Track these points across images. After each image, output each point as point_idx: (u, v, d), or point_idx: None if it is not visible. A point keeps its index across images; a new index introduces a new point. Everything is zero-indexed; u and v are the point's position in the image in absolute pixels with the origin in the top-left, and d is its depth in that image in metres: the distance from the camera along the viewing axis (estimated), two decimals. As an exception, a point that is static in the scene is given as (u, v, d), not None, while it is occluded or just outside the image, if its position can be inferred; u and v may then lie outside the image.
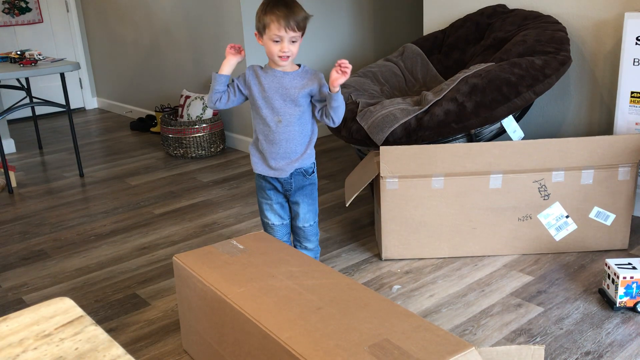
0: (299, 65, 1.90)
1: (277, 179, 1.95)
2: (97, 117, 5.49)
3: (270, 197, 2.00)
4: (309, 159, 1.95)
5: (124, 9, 4.90)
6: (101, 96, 5.77)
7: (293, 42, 1.78)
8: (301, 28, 1.77)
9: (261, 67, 1.90)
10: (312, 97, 1.88)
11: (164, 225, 2.83)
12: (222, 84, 1.89)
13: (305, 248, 2.09)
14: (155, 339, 1.91)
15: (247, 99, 1.93)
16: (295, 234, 2.09)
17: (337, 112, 1.84)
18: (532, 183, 2.24)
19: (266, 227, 2.07)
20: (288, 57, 1.79)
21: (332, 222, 2.74)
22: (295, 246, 2.08)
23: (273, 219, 2.03)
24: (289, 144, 1.89)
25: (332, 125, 1.89)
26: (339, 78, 1.76)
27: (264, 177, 1.98)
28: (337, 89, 1.79)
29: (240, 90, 1.92)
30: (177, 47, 4.37)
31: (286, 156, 1.91)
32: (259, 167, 1.96)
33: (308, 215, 2.03)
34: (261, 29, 1.80)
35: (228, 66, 1.89)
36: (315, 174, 2.01)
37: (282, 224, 2.04)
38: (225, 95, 1.91)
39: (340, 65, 1.76)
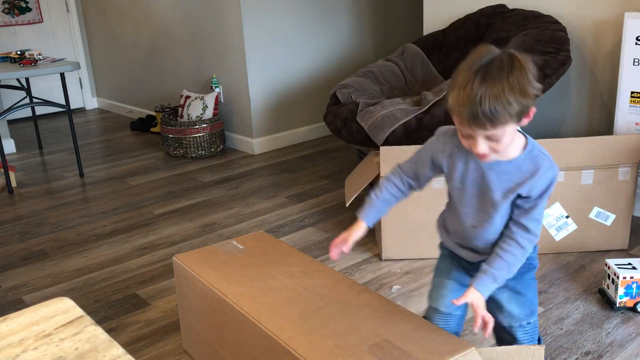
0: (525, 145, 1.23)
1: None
2: (97, 117, 5.49)
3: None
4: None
5: (124, 9, 4.90)
6: (101, 96, 5.77)
7: (489, 139, 1.12)
8: (499, 120, 1.07)
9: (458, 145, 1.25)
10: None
11: (164, 225, 2.83)
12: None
13: None
14: (155, 339, 1.91)
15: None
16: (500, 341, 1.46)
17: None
18: (532, 183, 2.23)
19: None
20: (487, 155, 1.16)
21: (332, 222, 2.74)
22: None
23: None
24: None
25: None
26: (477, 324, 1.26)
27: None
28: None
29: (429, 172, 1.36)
30: (177, 47, 4.37)
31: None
32: None
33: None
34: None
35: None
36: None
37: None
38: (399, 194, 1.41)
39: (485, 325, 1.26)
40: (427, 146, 1.33)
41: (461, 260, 1.39)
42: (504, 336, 1.42)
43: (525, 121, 1.14)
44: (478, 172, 1.24)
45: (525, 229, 1.24)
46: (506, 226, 1.27)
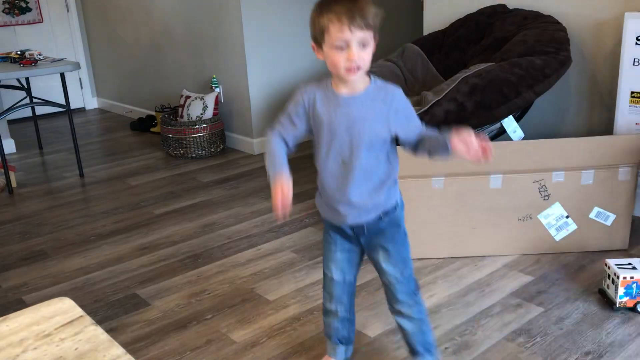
0: (370, 77, 1.42)
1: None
2: (97, 117, 5.49)
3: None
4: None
5: (124, 9, 4.90)
6: (101, 96, 5.77)
7: (363, 46, 1.32)
8: (371, 26, 1.31)
9: (318, 87, 1.45)
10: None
11: (164, 225, 2.83)
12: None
13: (401, 315, 1.59)
14: (155, 339, 1.91)
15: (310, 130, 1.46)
16: (385, 293, 1.63)
17: (434, 157, 1.43)
18: (532, 183, 2.24)
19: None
20: (358, 67, 1.32)
21: (332, 222, 2.74)
22: (390, 312, 1.64)
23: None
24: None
25: (407, 152, 1.48)
26: (474, 155, 1.32)
27: None
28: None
29: (299, 127, 1.46)
30: (177, 47, 4.37)
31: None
32: None
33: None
34: (319, 37, 1.34)
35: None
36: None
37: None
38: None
39: (484, 151, 1.32)
40: (297, 99, 1.45)
41: (341, 231, 1.52)
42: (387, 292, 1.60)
43: (373, 47, 1.35)
44: (344, 111, 1.39)
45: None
46: (417, 143, 1.43)
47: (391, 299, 1.58)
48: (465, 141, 1.31)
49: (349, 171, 1.41)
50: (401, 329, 1.60)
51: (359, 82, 1.39)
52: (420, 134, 1.43)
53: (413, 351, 1.61)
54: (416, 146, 1.44)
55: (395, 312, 1.59)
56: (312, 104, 1.42)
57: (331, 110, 1.40)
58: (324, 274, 1.61)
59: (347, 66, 1.31)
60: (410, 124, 1.42)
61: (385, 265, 1.53)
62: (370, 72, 1.43)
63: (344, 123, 1.39)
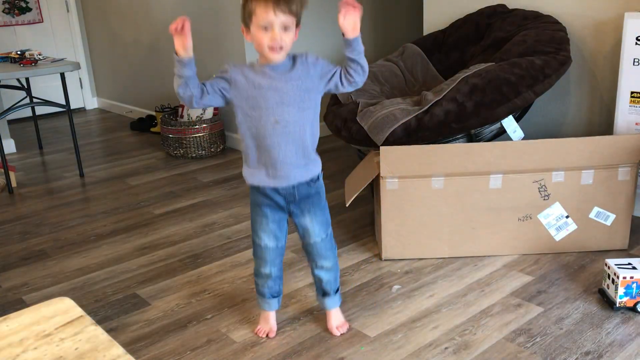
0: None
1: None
2: (97, 117, 5.49)
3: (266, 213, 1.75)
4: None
5: (124, 9, 4.90)
6: (101, 96, 5.77)
7: (285, 29, 1.49)
8: (294, 13, 1.49)
9: (245, 64, 1.63)
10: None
11: (164, 225, 2.83)
12: (187, 68, 1.60)
13: (322, 268, 1.83)
14: (155, 339, 1.91)
15: (226, 102, 1.65)
16: (308, 254, 1.84)
17: (362, 59, 1.59)
18: (532, 183, 2.24)
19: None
20: (281, 47, 1.50)
21: (332, 222, 2.74)
22: (311, 269, 1.86)
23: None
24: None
25: (358, 84, 1.63)
26: (352, 15, 1.51)
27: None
28: (357, 32, 1.54)
29: (220, 91, 1.63)
30: (177, 47, 4.36)
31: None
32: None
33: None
34: (247, 19, 1.52)
35: (182, 48, 1.58)
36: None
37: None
38: (196, 84, 1.62)
39: (347, 2, 1.50)
40: (225, 72, 1.63)
41: (271, 201, 1.71)
42: (310, 252, 1.81)
43: (295, 34, 1.54)
44: (269, 75, 1.58)
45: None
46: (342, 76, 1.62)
47: (316, 256, 1.80)
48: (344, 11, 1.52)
49: (282, 130, 1.59)
50: (319, 280, 1.84)
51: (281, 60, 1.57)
52: (339, 69, 1.63)
53: (325, 293, 1.86)
54: (343, 80, 1.63)
55: (318, 267, 1.82)
56: (242, 75, 1.59)
57: (259, 78, 1.58)
58: (254, 242, 1.78)
59: (270, 45, 1.49)
60: (328, 69, 1.62)
61: (312, 226, 1.75)
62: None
63: (273, 87, 1.57)
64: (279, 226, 1.76)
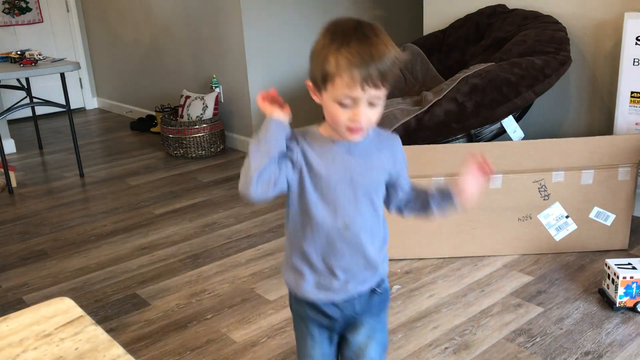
0: None
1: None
2: (97, 117, 5.49)
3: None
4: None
5: (124, 9, 4.90)
6: (101, 96, 5.77)
7: (373, 105, 1.05)
8: (388, 80, 1.04)
9: (304, 133, 1.15)
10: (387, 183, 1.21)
11: (164, 225, 2.83)
12: (281, 139, 1.12)
13: None
14: (155, 339, 1.91)
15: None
16: None
17: (443, 214, 1.23)
18: (532, 183, 2.24)
19: None
20: (364, 128, 1.07)
21: (332, 222, 2.74)
22: None
23: None
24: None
25: (394, 212, 1.27)
26: (481, 181, 1.19)
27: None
28: (473, 201, 1.19)
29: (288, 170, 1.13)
30: (177, 47, 4.37)
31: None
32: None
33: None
34: (319, 78, 1.06)
35: (282, 112, 1.15)
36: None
37: None
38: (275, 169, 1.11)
39: (484, 164, 1.19)
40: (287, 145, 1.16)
41: (320, 318, 1.22)
42: None
43: (384, 103, 1.10)
44: (341, 157, 1.13)
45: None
46: (411, 202, 1.24)
47: None
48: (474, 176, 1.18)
49: (351, 232, 1.15)
50: None
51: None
52: (412, 188, 1.25)
53: None
54: (406, 203, 1.24)
55: None
56: (305, 153, 1.12)
57: (328, 161, 1.12)
58: None
59: (350, 126, 1.05)
60: (405, 176, 1.25)
61: (368, 349, 1.24)
62: None
63: (347, 177, 1.13)
64: (328, 353, 1.27)
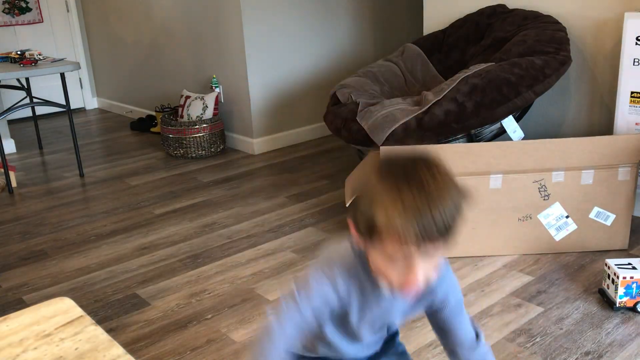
0: None
1: None
2: (97, 117, 5.49)
3: None
4: None
5: (124, 8, 4.90)
6: (101, 96, 5.77)
7: (430, 256, 0.87)
8: (449, 232, 0.86)
9: (353, 276, 0.98)
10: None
11: (164, 225, 2.83)
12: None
13: None
14: (155, 339, 1.91)
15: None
16: None
17: None
18: (532, 183, 2.24)
19: None
20: (419, 287, 0.90)
21: (332, 222, 2.74)
22: None
23: None
24: None
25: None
26: None
27: None
28: None
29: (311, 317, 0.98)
30: (177, 47, 4.37)
31: None
32: None
33: None
34: (363, 229, 0.89)
35: None
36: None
37: None
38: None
39: None
40: (327, 294, 0.96)
41: None
42: None
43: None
44: (379, 303, 1.00)
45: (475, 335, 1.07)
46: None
47: None
48: None
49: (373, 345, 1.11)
50: None
51: None
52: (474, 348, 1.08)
53: None
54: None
55: None
56: (347, 305, 0.98)
57: (370, 308, 1.00)
58: None
59: (403, 285, 0.89)
60: (461, 321, 1.07)
61: None
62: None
63: (378, 319, 1.03)
64: None
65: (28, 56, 3.57)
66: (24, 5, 5.21)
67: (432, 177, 0.85)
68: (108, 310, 2.11)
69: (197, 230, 2.76)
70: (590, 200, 2.26)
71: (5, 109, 3.82)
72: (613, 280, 1.92)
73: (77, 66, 3.52)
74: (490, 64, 2.43)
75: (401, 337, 1.88)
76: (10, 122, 5.01)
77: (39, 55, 3.63)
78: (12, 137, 4.41)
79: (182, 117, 3.99)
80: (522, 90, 2.27)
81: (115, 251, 2.59)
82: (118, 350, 0.80)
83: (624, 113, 2.46)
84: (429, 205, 0.82)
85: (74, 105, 5.46)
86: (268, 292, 2.17)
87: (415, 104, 2.42)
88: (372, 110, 2.40)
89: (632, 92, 2.43)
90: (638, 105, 2.42)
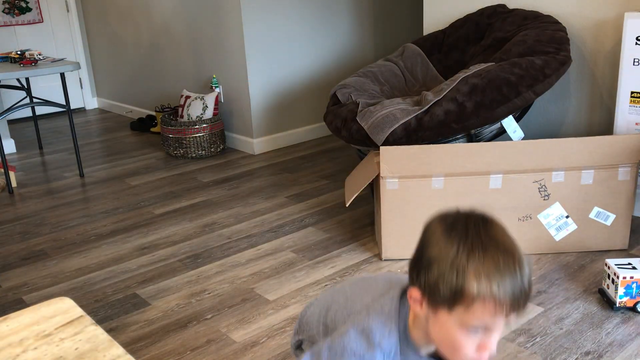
0: None
1: None
2: (97, 117, 5.49)
3: None
4: None
5: (124, 9, 4.90)
6: (101, 96, 5.77)
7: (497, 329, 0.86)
8: (530, 298, 0.86)
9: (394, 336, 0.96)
10: None
11: (164, 225, 2.83)
12: None
13: None
14: (155, 339, 1.91)
15: None
16: None
17: None
18: (532, 183, 2.24)
19: None
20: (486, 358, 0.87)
21: (332, 222, 2.74)
22: None
23: None
24: None
25: None
26: None
27: None
28: None
29: None
30: (177, 47, 4.37)
31: None
32: None
33: None
34: (444, 296, 0.85)
35: None
36: None
37: None
38: None
39: None
40: None
41: None
42: None
43: None
44: None
45: None
46: None
47: None
48: None
49: None
50: None
51: None
52: None
53: None
54: None
55: None
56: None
57: None
58: None
59: (473, 357, 0.85)
60: None
61: None
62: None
63: None
64: None
65: (28, 56, 3.57)
66: (24, 5, 5.21)
67: (507, 237, 0.84)
68: (108, 310, 2.11)
69: (197, 230, 2.76)
70: (590, 200, 2.26)
71: (5, 109, 3.82)
72: (613, 280, 1.92)
73: (77, 66, 3.52)
74: (490, 64, 2.43)
75: None
76: (10, 122, 5.01)
77: (39, 55, 3.63)
78: (12, 137, 4.41)
79: (182, 117, 3.99)
80: (522, 90, 2.27)
81: (115, 251, 2.59)
82: (118, 350, 0.80)
83: (624, 113, 2.46)
84: (515, 270, 0.80)
85: (74, 105, 5.46)
86: (268, 292, 2.17)
87: (415, 104, 2.42)
88: (372, 110, 2.40)
89: (632, 92, 2.43)
90: (638, 105, 2.42)
